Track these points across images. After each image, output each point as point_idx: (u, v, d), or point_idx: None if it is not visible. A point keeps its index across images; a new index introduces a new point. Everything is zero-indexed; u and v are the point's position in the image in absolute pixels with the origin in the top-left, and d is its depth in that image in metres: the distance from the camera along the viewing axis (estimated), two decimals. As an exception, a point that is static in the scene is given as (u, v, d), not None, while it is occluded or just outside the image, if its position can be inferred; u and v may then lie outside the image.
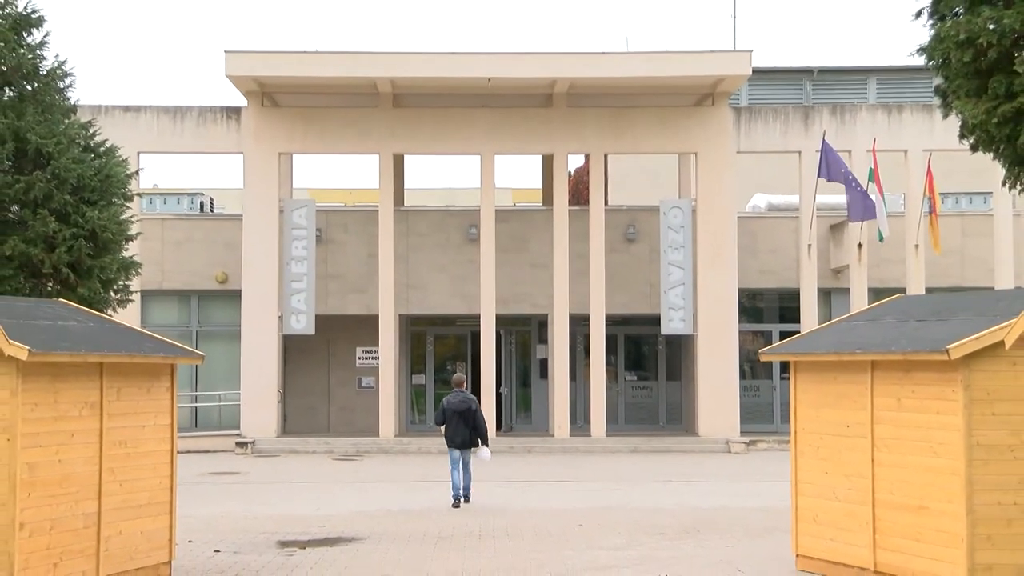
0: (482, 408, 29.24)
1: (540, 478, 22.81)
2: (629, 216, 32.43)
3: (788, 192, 33.77)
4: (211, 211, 37.04)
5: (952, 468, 10.44)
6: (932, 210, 29.11)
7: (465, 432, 18.85)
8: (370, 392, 31.91)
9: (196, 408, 31.93)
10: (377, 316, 30.47)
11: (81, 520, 10.98)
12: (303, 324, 30.13)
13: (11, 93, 20.14)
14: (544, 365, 32.82)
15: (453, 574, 12.26)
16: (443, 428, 19.17)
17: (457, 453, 18.77)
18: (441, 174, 67.01)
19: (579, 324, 30.94)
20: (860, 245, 30.82)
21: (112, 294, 20.81)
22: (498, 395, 31.30)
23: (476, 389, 30.95)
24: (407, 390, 33.22)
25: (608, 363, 31.67)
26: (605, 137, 30.77)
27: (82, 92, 39.62)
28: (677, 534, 15.11)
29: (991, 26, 15.00)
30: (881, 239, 29.62)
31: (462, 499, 18.67)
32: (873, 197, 28.98)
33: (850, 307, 29.06)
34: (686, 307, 30.22)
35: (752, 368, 32.55)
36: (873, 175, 28.99)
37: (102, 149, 20.74)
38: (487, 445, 19.39)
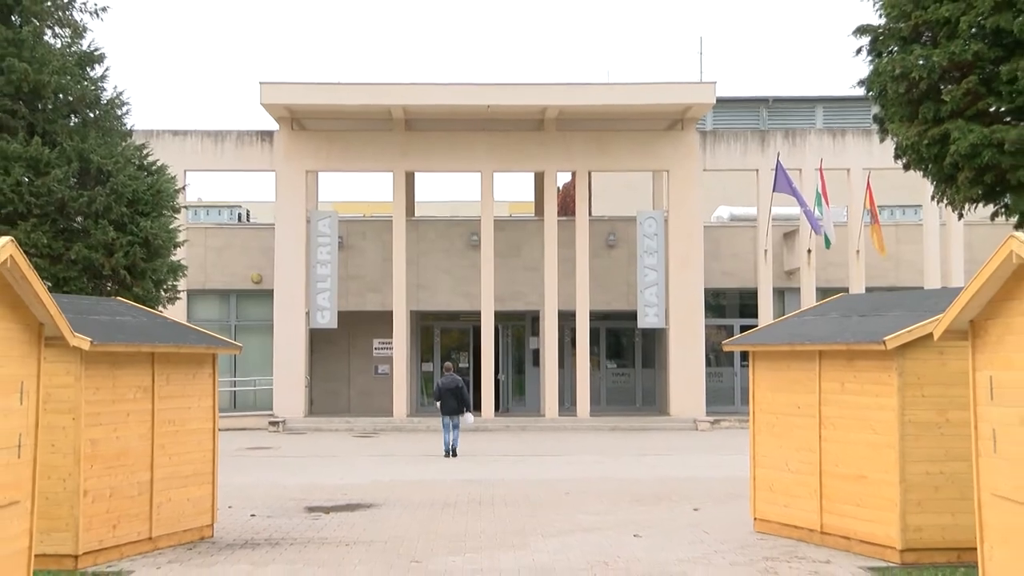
0: (482, 392, 29.58)
1: (532, 453, 22.83)
2: (610, 225, 32.47)
3: (747, 204, 33.85)
4: (247, 221, 37.08)
5: (888, 443, 10.51)
6: (874, 220, 29.19)
7: (454, 404, 22.23)
8: (385, 378, 31.93)
9: (235, 392, 31.93)
10: (391, 312, 30.50)
11: (136, 488, 11.07)
12: (327, 319, 30.18)
13: (76, 119, 20.18)
14: (536, 355, 32.86)
15: (458, 535, 12.28)
16: (438, 402, 22.57)
17: (448, 419, 22.23)
18: (447, 189, 66.94)
19: (566, 319, 30.96)
20: (809, 251, 30.94)
21: (162, 293, 20.85)
22: (496, 381, 31.34)
23: (477, 376, 31.13)
24: (417, 376, 33.24)
25: (592, 353, 31.66)
26: (589, 156, 30.81)
27: (136, 118, 39.72)
28: (652, 501, 15.12)
29: (921, 62, 15.08)
30: (828, 246, 29.73)
31: (452, 452, 21.85)
32: (819, 211, 29.16)
33: (800, 304, 29.13)
34: (659, 304, 30.28)
35: (716, 357, 32.58)
36: (821, 193, 29.13)
37: (154, 168, 20.78)
38: (470, 412, 22.68)
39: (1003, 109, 14.96)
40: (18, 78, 18.87)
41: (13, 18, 19.67)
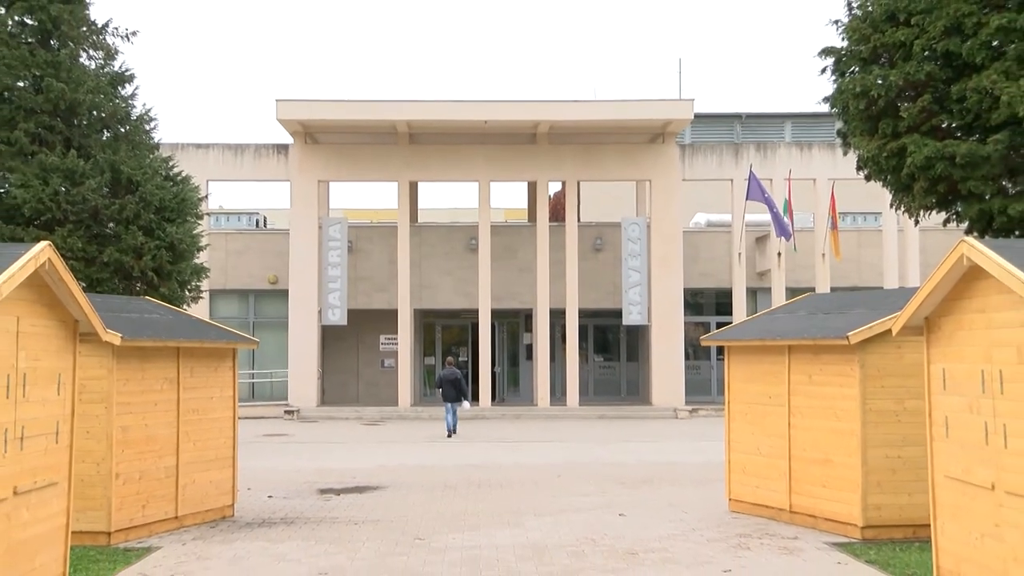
0: (480, 383, 29.58)
1: (526, 439, 22.85)
2: (597, 230, 32.50)
3: (723, 212, 33.88)
4: (264, 227, 37.21)
5: (850, 429, 10.55)
6: (834, 226, 29.30)
7: (453, 393, 23.72)
8: (391, 371, 31.94)
9: (253, 383, 31.95)
10: (396, 310, 30.51)
11: (163, 471, 11.09)
12: (337, 316, 30.18)
13: (108, 134, 20.17)
14: (529, 349, 32.85)
15: (458, 514, 12.30)
16: (440, 390, 24.12)
17: (449, 405, 23.72)
18: (447, 197, 66.86)
19: (557, 316, 30.99)
20: (779, 254, 30.97)
21: (187, 293, 20.82)
22: (493, 373, 31.37)
23: (475, 368, 31.15)
24: (420, 369, 33.25)
25: (580, 347, 31.71)
26: (578, 167, 30.84)
27: (163, 132, 39.71)
28: (635, 483, 15.15)
29: (880, 81, 15.11)
30: (795, 249, 29.82)
31: (453, 433, 23.30)
32: (787, 219, 29.25)
33: (771, 303, 29.18)
34: (642, 303, 30.31)
35: (694, 351, 32.63)
36: (787, 202, 29.23)
37: (179, 178, 20.76)
38: (468, 400, 24.45)
39: (954, 125, 14.99)
40: (56, 97, 18.88)
41: (52, 42, 19.68)
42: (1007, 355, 7.07)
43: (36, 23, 19.38)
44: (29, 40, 19.44)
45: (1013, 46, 13.81)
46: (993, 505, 7.25)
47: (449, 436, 23.17)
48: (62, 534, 7.88)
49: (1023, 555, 6.89)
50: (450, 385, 23.75)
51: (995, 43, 14.04)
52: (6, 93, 18.98)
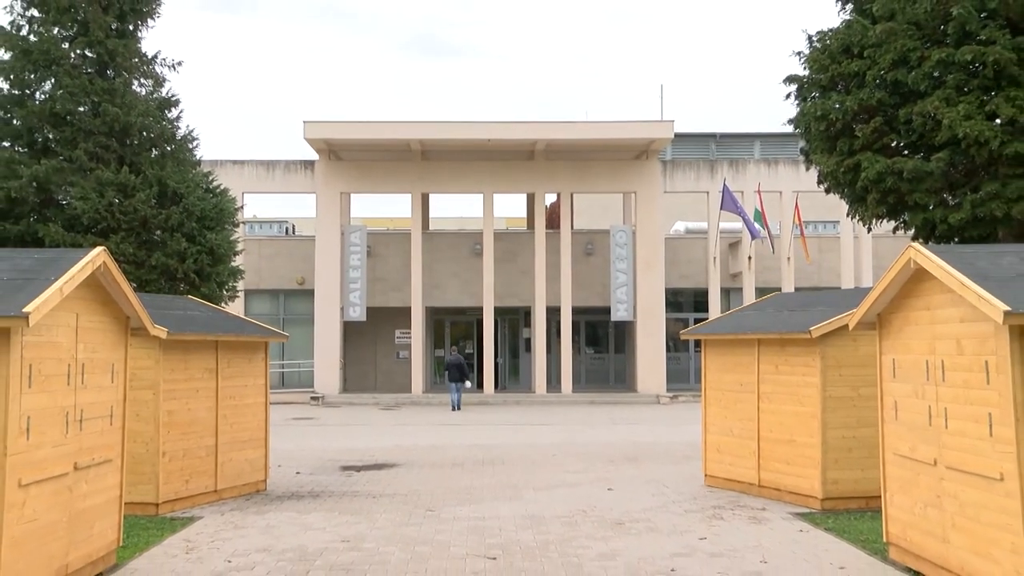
0: (484, 372, 29.60)
1: (525, 422, 22.81)
2: (588, 237, 32.49)
3: (700, 220, 33.89)
4: (293, 234, 37.16)
5: (812, 413, 10.55)
6: (801, 232, 29.29)
7: (457, 374, 26.02)
8: (405, 361, 31.93)
9: (283, 372, 31.95)
10: (410, 308, 30.51)
11: (204, 450, 11.10)
12: (357, 313, 30.18)
13: (156, 152, 20.20)
14: (528, 342, 32.84)
15: (464, 489, 12.29)
16: (447, 373, 26.32)
17: (453, 384, 25.96)
18: (455, 206, 66.85)
19: (553, 313, 30.95)
20: (750, 257, 30.98)
21: (224, 292, 20.84)
22: (495, 363, 31.33)
23: (479, 359, 31.19)
24: (431, 360, 33.23)
25: (573, 340, 31.67)
26: (571, 180, 30.82)
27: (204, 150, 39.47)
28: (622, 461, 15.14)
29: (837, 106, 15.12)
30: (772, 251, 29.84)
31: (457, 408, 25.44)
32: (758, 225, 29.23)
33: (743, 301, 29.16)
34: (628, 301, 30.31)
35: (675, 344, 32.64)
36: (759, 211, 29.22)
37: (218, 191, 20.77)
38: (470, 381, 26.75)
39: (902, 144, 15.02)
40: (111, 120, 18.92)
41: (108, 72, 19.73)
42: (948, 347, 7.09)
43: (95, 56, 19.43)
44: (89, 71, 19.49)
45: (951, 76, 13.86)
46: (935, 479, 7.27)
47: (454, 410, 25.37)
48: (116, 505, 7.90)
49: (960, 522, 6.91)
50: (455, 368, 26.25)
51: (936, 74, 14.10)
52: (69, 117, 19.02)
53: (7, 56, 19.15)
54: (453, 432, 20.20)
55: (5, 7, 19.58)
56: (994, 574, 6.50)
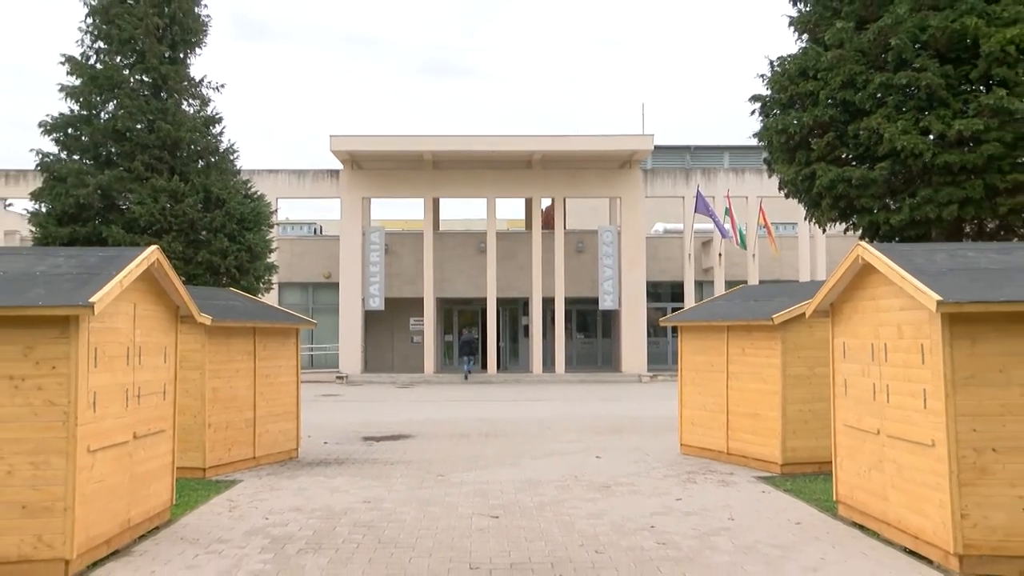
0: (487, 355, 29.53)
1: (524, 399, 22.78)
2: (579, 236, 32.50)
3: (677, 222, 33.90)
4: (320, 234, 37.13)
5: (773, 390, 10.58)
6: (768, 232, 29.29)
7: (468, 349, 28.68)
8: (418, 345, 31.98)
9: (312, 355, 31.99)
10: (422, 299, 30.55)
11: (244, 423, 11.14)
12: (377, 304, 30.21)
13: (202, 163, 20.18)
14: (526, 329, 32.93)
15: (470, 457, 12.30)
16: (461, 347, 28.73)
17: (465, 358, 28.44)
18: (462, 209, 66.85)
19: (548, 303, 31.04)
20: (720, 255, 30.98)
21: (261, 285, 20.82)
22: (498, 347, 31.37)
23: (484, 344, 31.19)
24: (441, 344, 33.29)
25: (566, 327, 31.76)
26: (564, 186, 30.82)
27: (243, 161, 39.66)
28: (608, 432, 15.14)
29: (795, 122, 15.11)
30: (744, 247, 29.85)
31: (467, 377, 27.19)
32: (727, 226, 29.23)
33: (714, 292, 29.26)
34: (614, 293, 30.33)
35: (654, 330, 32.69)
36: (728, 212, 29.22)
37: (255, 196, 20.73)
38: (476, 355, 28.58)
39: (851, 156, 14.99)
40: (164, 135, 18.94)
41: (162, 94, 19.73)
42: (890, 332, 7.14)
43: (151, 80, 19.44)
44: (145, 93, 19.49)
45: (891, 97, 13.91)
46: (878, 446, 7.33)
47: (465, 378, 27.43)
48: (169, 469, 7.97)
49: (899, 483, 6.98)
50: (466, 345, 29.34)
51: (879, 95, 14.11)
52: (128, 133, 19.05)
53: (78, 82, 19.25)
54: (460, 407, 20.20)
55: (76, 40, 19.85)
56: (925, 526, 6.57)
